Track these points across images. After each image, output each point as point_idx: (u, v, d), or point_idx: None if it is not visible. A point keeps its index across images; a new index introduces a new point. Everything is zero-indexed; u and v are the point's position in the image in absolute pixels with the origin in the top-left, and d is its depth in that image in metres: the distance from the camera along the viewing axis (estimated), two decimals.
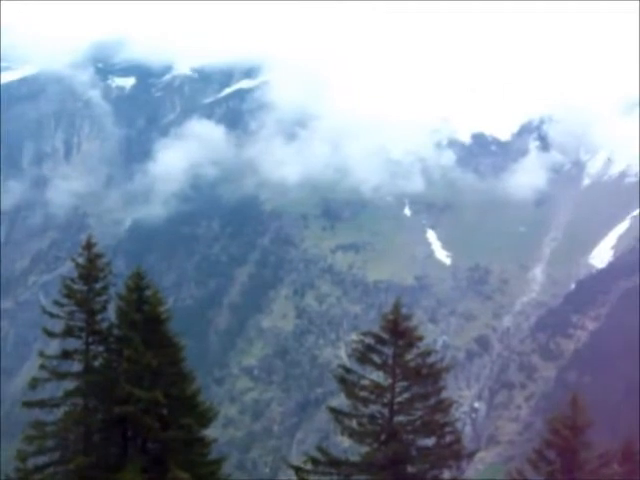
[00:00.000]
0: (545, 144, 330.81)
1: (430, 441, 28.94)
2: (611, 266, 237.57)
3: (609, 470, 29.91)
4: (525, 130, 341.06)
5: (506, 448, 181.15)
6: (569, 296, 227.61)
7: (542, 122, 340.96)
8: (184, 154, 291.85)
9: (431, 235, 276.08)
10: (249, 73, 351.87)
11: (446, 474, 29.01)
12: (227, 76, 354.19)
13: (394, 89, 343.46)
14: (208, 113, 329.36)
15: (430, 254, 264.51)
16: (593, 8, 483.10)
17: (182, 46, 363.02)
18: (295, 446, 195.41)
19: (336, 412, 29.12)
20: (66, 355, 30.41)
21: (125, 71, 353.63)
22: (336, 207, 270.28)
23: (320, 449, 29.21)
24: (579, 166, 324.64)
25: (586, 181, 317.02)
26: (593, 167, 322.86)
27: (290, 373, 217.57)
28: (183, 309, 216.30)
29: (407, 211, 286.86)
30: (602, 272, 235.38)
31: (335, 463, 28.90)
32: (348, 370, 29.11)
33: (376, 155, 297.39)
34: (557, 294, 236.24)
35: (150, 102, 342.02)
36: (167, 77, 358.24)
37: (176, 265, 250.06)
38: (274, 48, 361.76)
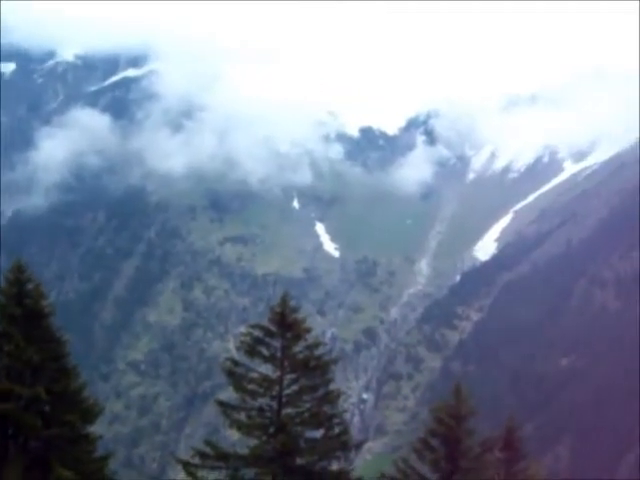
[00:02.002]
0: (431, 139, 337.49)
1: (318, 433, 29.04)
2: (494, 259, 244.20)
3: (491, 456, 30.62)
4: (412, 125, 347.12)
5: (393, 438, 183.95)
6: (454, 288, 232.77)
7: (429, 117, 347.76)
8: (67, 143, 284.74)
9: (319, 228, 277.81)
10: (135, 62, 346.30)
11: (334, 465, 29.17)
12: (112, 64, 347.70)
13: (282, 81, 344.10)
14: (92, 102, 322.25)
15: (318, 247, 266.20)
16: (482, 8, 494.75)
17: (65, 32, 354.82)
18: (183, 441, 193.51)
19: (224, 405, 28.88)
20: None
21: (5, 56, 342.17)
22: (223, 199, 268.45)
23: (208, 443, 28.92)
24: (464, 161, 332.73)
25: (471, 175, 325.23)
26: (477, 162, 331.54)
27: (177, 367, 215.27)
28: (67, 303, 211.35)
29: (295, 204, 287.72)
30: (485, 265, 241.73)
31: (223, 457, 28.66)
32: (236, 363, 28.89)
33: (263, 147, 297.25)
34: (442, 286, 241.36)
35: (32, 89, 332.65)
36: (49, 63, 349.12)
37: (59, 258, 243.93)
38: (161, 37, 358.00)
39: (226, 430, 31.77)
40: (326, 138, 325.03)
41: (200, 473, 28.60)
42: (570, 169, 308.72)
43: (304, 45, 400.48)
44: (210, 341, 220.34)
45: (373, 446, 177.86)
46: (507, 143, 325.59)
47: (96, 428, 30.05)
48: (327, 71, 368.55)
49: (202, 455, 28.58)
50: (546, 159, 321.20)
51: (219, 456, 28.59)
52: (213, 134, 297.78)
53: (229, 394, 30.15)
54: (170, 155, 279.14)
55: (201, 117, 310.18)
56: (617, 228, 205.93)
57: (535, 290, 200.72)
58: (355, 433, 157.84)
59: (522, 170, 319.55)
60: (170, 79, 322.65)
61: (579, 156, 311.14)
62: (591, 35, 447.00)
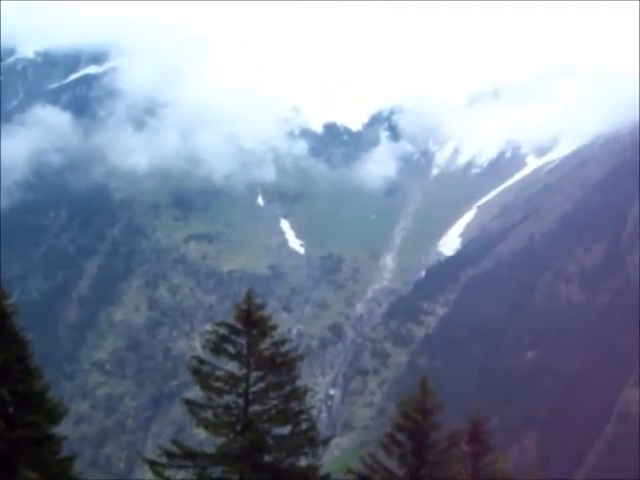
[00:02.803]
0: (395, 134, 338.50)
1: (286, 429, 29.01)
2: (459, 254, 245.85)
3: (458, 450, 30.78)
4: (376, 120, 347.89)
5: (361, 433, 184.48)
6: (419, 283, 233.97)
7: (392, 113, 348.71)
8: (28, 141, 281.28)
9: (284, 224, 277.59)
10: (96, 59, 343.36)
11: (302, 461, 29.15)
12: (73, 61, 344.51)
13: (246, 78, 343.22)
14: (53, 99, 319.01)
15: (284, 243, 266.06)
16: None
17: (25, 28, 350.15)
18: (150, 440, 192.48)
19: (191, 404, 28.72)
20: None
21: None
22: (188, 197, 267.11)
23: (175, 442, 28.74)
24: (428, 156, 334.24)
25: (434, 171, 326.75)
26: (441, 157, 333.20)
27: (143, 366, 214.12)
28: (30, 303, 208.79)
29: (260, 200, 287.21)
30: (450, 260, 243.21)
31: (190, 455, 28.49)
32: (202, 361, 28.76)
33: (228, 144, 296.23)
34: (408, 281, 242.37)
35: None
36: (9, 60, 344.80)
37: (21, 257, 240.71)
38: (123, 33, 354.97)
39: (193, 429, 31.61)
40: (290, 134, 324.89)
41: (167, 472, 28.43)
42: (532, 164, 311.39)
43: (267, 41, 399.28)
44: (176, 340, 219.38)
45: (341, 442, 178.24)
46: (470, 138, 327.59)
47: (61, 429, 29.76)
48: (291, 67, 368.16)
49: (169, 454, 28.39)
50: (509, 154, 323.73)
51: (186, 455, 28.43)
52: (177, 131, 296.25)
53: (196, 392, 30.01)
54: (133, 152, 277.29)
55: (164, 114, 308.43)
56: (580, 222, 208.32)
57: (499, 284, 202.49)
58: (322, 429, 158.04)
59: (485, 165, 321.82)
60: (132, 76, 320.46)
61: (541, 151, 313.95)
62: (554, 33, 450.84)
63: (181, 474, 28.75)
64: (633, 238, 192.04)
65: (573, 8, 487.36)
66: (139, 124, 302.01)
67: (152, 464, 28.53)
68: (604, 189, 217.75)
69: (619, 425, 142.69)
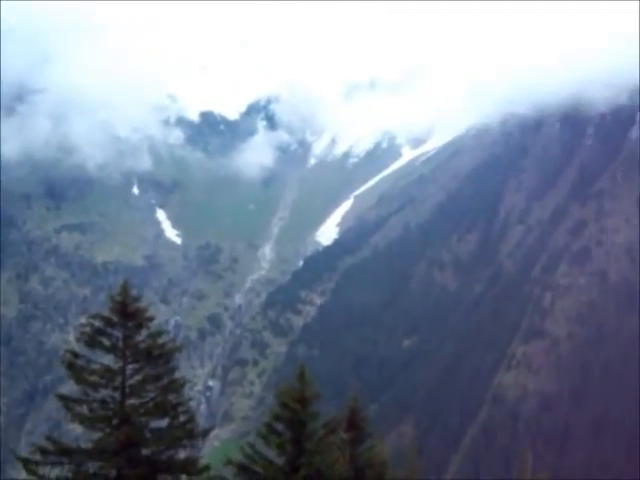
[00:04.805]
0: (272, 124, 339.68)
1: (164, 422, 28.70)
2: (336, 243, 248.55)
3: (336, 437, 31.15)
4: (253, 110, 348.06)
5: (240, 424, 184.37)
6: (297, 273, 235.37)
7: (269, 102, 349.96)
8: None
9: (160, 214, 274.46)
10: None
11: (181, 454, 28.91)
12: None
13: (119, 63, 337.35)
14: None
15: (160, 233, 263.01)
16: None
17: None
18: (24, 438, 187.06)
19: (65, 399, 28.02)
20: None
21: None
22: (60, 186, 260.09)
23: (49, 438, 27.99)
24: (305, 146, 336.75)
25: (312, 161, 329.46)
26: (318, 147, 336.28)
27: (15, 361, 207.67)
28: None
29: (135, 190, 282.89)
30: (328, 249, 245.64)
31: (66, 452, 27.80)
32: (76, 355, 28.09)
33: (102, 132, 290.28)
34: (286, 271, 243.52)
35: None
36: None
37: None
38: None
39: (68, 424, 30.87)
40: (166, 123, 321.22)
41: (42, 470, 27.67)
42: (408, 155, 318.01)
43: (142, 26, 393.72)
44: (49, 333, 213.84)
45: (220, 433, 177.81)
46: (347, 129, 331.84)
47: None
48: (167, 54, 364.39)
49: (43, 451, 27.63)
50: (385, 145, 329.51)
51: (61, 451, 27.74)
52: (47, 118, 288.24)
53: (70, 387, 29.33)
54: (2, 140, 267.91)
55: (35, 100, 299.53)
56: (453, 212, 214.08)
57: (376, 274, 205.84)
58: (202, 421, 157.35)
59: (362, 155, 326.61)
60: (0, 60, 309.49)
61: (416, 142, 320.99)
62: (427, 28, 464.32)
63: (56, 471, 28.04)
64: (504, 228, 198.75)
65: (446, 8, 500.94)
66: (8, 110, 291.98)
67: (25, 462, 27.72)
68: (476, 180, 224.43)
69: (493, 409, 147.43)
